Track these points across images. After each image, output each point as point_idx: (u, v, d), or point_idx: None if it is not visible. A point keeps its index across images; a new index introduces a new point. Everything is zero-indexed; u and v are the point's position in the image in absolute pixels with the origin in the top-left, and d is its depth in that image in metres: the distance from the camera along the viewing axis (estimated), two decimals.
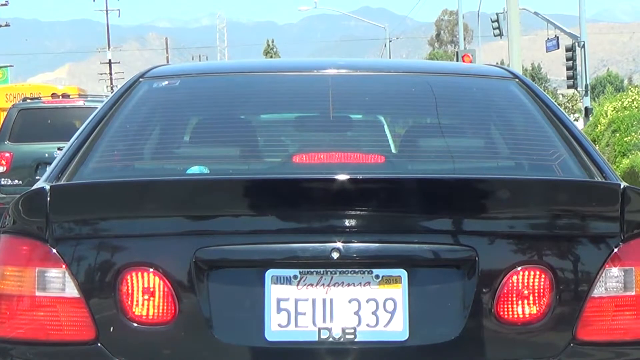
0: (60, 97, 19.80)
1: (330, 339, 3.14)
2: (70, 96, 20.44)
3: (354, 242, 3.13)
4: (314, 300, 3.15)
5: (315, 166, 3.70)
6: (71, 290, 3.16)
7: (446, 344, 3.14)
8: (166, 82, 4.30)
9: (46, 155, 16.37)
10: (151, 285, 3.14)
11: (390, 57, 75.75)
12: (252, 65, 4.97)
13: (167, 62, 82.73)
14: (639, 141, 21.22)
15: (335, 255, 3.11)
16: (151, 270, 3.15)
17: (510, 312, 3.16)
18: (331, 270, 3.15)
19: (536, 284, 3.17)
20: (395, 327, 3.14)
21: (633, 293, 3.20)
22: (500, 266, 3.16)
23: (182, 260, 3.14)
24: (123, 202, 3.23)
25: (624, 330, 3.21)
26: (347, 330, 3.14)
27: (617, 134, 22.29)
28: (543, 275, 3.17)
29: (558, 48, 45.13)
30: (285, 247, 3.14)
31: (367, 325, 3.14)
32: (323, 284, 3.15)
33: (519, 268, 3.17)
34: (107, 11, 79.95)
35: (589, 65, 42.67)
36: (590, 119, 30.34)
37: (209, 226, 3.20)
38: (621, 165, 20.55)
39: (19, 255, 3.19)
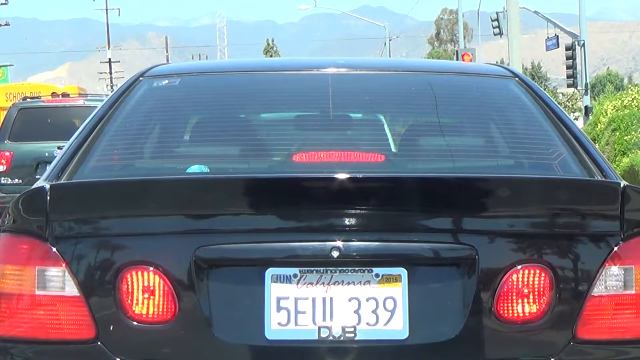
0: (60, 96, 19.81)
1: (330, 338, 3.14)
2: (70, 95, 20.45)
3: (354, 241, 3.13)
4: (313, 299, 3.15)
5: (315, 165, 3.70)
6: (71, 289, 3.16)
7: (446, 343, 3.14)
8: (166, 81, 4.30)
9: (46, 154, 16.38)
10: (151, 284, 3.15)
11: (390, 56, 75.76)
12: (252, 64, 4.97)
13: (167, 61, 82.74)
14: (639, 140, 21.23)
15: (335, 253, 3.11)
16: (151, 269, 3.15)
17: (510, 311, 3.16)
18: (331, 268, 3.15)
19: (536, 282, 3.17)
20: (395, 326, 3.14)
21: (633, 292, 3.20)
22: (500, 265, 3.17)
23: (182, 259, 3.14)
24: (123, 201, 3.23)
25: (623, 329, 3.21)
26: (347, 329, 3.14)
27: (617, 133, 22.32)
28: (543, 274, 3.17)
29: (558, 47, 45.11)
30: (285, 246, 3.14)
31: (367, 323, 3.14)
32: (323, 283, 3.16)
33: (519, 267, 3.17)
34: (107, 10, 80.00)
35: (588, 64, 42.67)
36: (590, 117, 30.34)
37: (209, 225, 3.20)
38: (621, 164, 20.57)
39: (19, 254, 3.19)
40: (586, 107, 39.85)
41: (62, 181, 3.47)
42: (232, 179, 3.47)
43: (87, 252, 3.18)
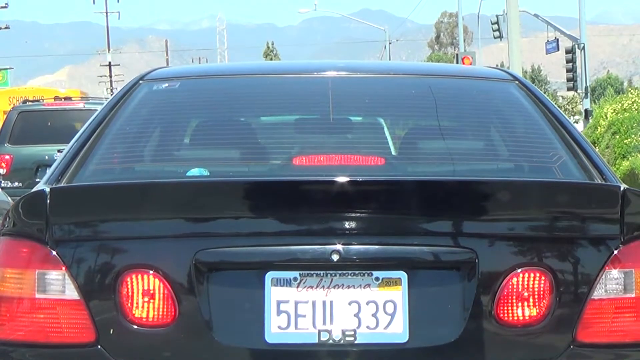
0: (63, 100, 19.85)
1: (330, 341, 3.13)
2: (72, 99, 20.49)
3: (354, 244, 3.13)
4: (314, 303, 3.15)
5: (315, 168, 3.70)
6: (71, 293, 3.16)
7: (446, 346, 3.14)
8: (166, 85, 4.30)
9: (46, 157, 16.40)
10: (151, 288, 3.14)
11: (390, 59, 75.74)
12: (252, 67, 4.98)
13: (167, 64, 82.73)
14: (639, 143, 21.23)
15: (335, 257, 3.11)
16: (151, 272, 3.14)
17: (510, 314, 3.16)
18: (331, 272, 3.15)
19: (536, 286, 3.17)
20: (395, 329, 3.14)
21: (633, 295, 3.20)
22: (500, 268, 3.16)
23: (182, 263, 3.13)
24: (123, 205, 3.23)
25: (624, 332, 3.21)
26: (347, 333, 3.14)
27: (617, 136, 22.31)
28: (543, 277, 3.17)
29: (558, 50, 45.13)
30: (285, 249, 3.14)
31: (367, 327, 3.14)
32: (323, 286, 3.15)
33: (519, 270, 3.16)
34: (107, 13, 80.00)
35: (588, 67, 42.65)
36: (590, 121, 30.33)
37: (209, 228, 3.20)
38: (621, 167, 20.57)
39: (19, 257, 3.19)
40: (586, 111, 39.82)
41: (62, 184, 3.47)
42: (232, 182, 3.47)
43: (87, 256, 3.18)
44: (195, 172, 3.65)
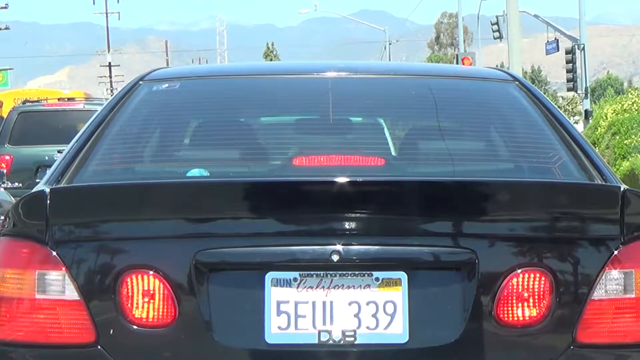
0: (66, 100, 19.87)
1: (330, 342, 3.14)
2: (75, 99, 20.51)
3: (354, 245, 3.13)
4: (314, 303, 3.15)
5: (315, 169, 3.71)
6: (71, 293, 3.16)
7: (446, 347, 3.14)
8: (166, 85, 4.30)
9: (46, 157, 16.38)
10: (151, 288, 3.15)
11: (390, 60, 75.73)
12: (252, 68, 4.98)
13: (167, 65, 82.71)
14: (639, 144, 21.24)
15: (335, 257, 3.11)
16: (151, 272, 3.15)
17: (510, 315, 3.16)
18: (331, 272, 3.15)
19: (536, 286, 3.17)
20: (395, 330, 3.14)
21: (633, 295, 3.20)
22: (500, 269, 3.17)
23: (182, 263, 3.14)
24: (123, 205, 3.23)
25: (624, 333, 3.21)
26: (347, 333, 3.14)
27: (617, 137, 22.32)
28: (543, 278, 3.17)
29: (558, 51, 45.12)
30: (285, 250, 3.14)
31: (367, 327, 3.14)
32: (323, 287, 3.15)
33: (519, 270, 3.17)
34: (107, 14, 79.99)
35: (588, 67, 42.62)
36: (590, 121, 30.34)
37: (209, 229, 3.20)
38: (621, 167, 20.58)
39: (19, 257, 3.19)
40: (586, 111, 39.81)
41: (62, 185, 3.48)
42: (232, 182, 3.48)
43: (87, 256, 3.18)
44: (195, 172, 3.65)
